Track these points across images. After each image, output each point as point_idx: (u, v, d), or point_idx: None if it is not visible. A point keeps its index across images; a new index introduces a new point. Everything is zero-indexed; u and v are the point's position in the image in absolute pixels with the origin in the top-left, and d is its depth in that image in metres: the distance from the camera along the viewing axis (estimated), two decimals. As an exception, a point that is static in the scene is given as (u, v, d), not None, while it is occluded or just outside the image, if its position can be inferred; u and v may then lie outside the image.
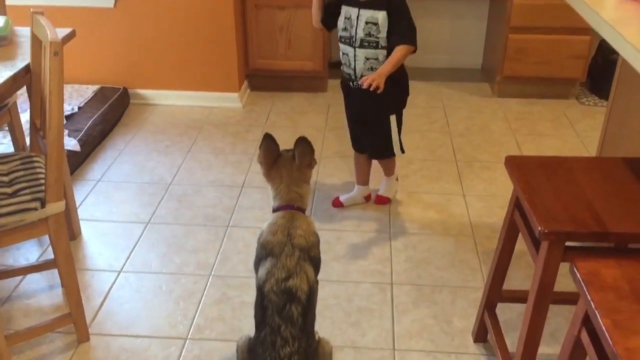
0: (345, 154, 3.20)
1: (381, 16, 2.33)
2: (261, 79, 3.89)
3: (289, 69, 3.79)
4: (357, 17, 2.37)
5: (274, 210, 1.82)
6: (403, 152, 2.63)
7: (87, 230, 2.59)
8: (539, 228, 1.53)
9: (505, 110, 3.64)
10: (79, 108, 3.33)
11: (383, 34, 2.35)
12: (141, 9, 3.48)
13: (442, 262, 2.42)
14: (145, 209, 2.75)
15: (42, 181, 1.87)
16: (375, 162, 2.77)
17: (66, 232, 1.91)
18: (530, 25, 3.53)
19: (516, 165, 1.80)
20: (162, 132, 3.43)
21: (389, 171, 2.77)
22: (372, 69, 2.40)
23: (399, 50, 2.33)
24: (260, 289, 1.70)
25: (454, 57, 4.22)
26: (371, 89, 2.27)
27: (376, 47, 2.38)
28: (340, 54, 2.53)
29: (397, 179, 2.83)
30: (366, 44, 2.38)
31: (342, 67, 2.56)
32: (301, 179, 1.83)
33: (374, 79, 2.27)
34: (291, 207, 1.79)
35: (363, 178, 2.78)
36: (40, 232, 1.87)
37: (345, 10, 2.43)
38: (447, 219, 2.69)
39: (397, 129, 2.57)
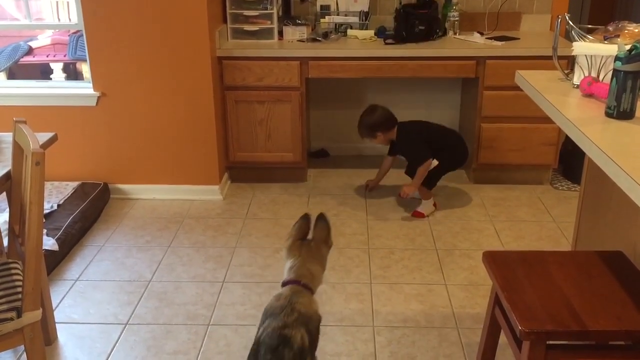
0: (326, 245, 3.20)
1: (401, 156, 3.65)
2: (241, 171, 3.94)
3: (269, 161, 3.86)
4: None
5: (283, 285, 1.92)
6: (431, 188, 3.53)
7: (63, 334, 2.52)
8: (520, 327, 1.54)
9: (482, 197, 3.72)
10: (59, 205, 3.33)
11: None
12: (122, 107, 3.56)
13: (427, 357, 2.39)
14: (124, 309, 2.70)
15: (19, 289, 1.85)
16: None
17: (42, 340, 1.87)
18: (501, 115, 3.67)
19: (494, 261, 1.83)
20: (143, 227, 3.42)
21: (423, 195, 3.53)
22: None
23: (419, 169, 3.43)
24: (255, 342, 1.77)
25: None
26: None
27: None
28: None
29: (435, 205, 3.54)
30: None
31: None
32: (316, 256, 1.97)
33: (408, 191, 3.47)
34: (298, 282, 1.90)
35: (425, 195, 3.54)
36: (16, 343, 1.82)
37: None
38: (429, 310, 2.67)
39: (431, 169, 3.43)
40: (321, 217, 2.02)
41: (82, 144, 3.65)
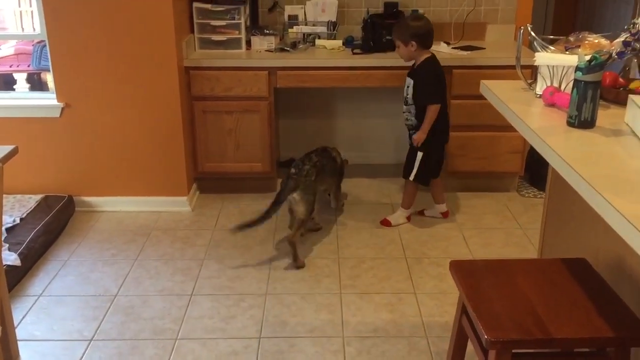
0: (295, 255, 3.20)
1: (410, 83, 3.28)
2: (210, 182, 3.91)
3: (238, 171, 3.83)
4: (405, 83, 3.34)
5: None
6: (408, 179, 3.40)
7: (25, 351, 2.45)
8: (486, 337, 1.54)
9: (450, 204, 3.74)
10: (21, 219, 3.25)
11: (410, 95, 3.29)
12: (87, 118, 3.50)
13: (397, 367, 2.39)
14: (89, 325, 2.64)
15: (-24, 308, 1.79)
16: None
17: (2, 358, 1.80)
18: (468, 124, 3.71)
19: (460, 271, 1.83)
20: (109, 240, 3.36)
21: (404, 202, 3.50)
22: (406, 119, 3.40)
23: (427, 113, 3.25)
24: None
25: (400, 153, 4.35)
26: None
27: (406, 104, 3.35)
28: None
29: (408, 218, 3.51)
30: (405, 100, 3.36)
31: None
32: None
33: (419, 138, 3.29)
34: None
35: (407, 202, 3.49)
36: (-28, 363, 1.76)
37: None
38: (399, 319, 2.68)
39: (419, 163, 3.31)
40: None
41: (46, 155, 3.58)
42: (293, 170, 3.17)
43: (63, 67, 3.43)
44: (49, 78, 4.74)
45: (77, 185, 3.63)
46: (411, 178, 3.38)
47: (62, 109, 3.48)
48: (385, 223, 3.50)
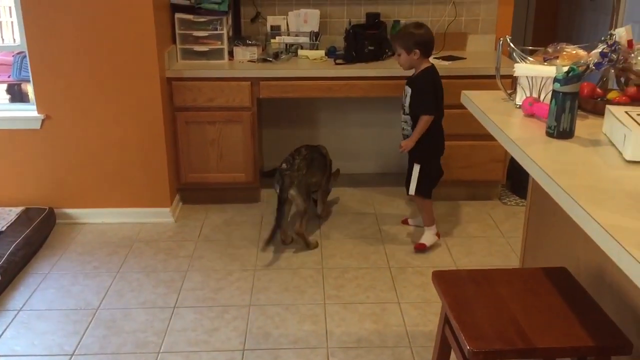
0: (279, 266, 3.18)
1: (409, 92, 3.21)
2: (193, 192, 3.89)
3: (221, 182, 3.82)
4: (404, 92, 3.26)
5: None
6: (417, 195, 3.28)
7: (4, 367, 2.42)
8: (468, 347, 1.55)
9: (434, 213, 3.75)
10: (1, 232, 3.21)
11: (407, 104, 3.22)
12: (68, 129, 3.47)
13: (381, 377, 2.38)
14: (70, 339, 2.60)
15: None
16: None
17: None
18: (449, 133, 3.70)
19: (443, 281, 1.84)
20: (90, 252, 3.33)
21: (424, 220, 3.37)
22: (403, 129, 3.31)
23: (420, 122, 3.18)
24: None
25: (382, 162, 4.38)
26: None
27: (404, 113, 3.26)
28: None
29: (437, 236, 3.37)
30: (403, 109, 3.27)
31: None
32: None
33: (406, 145, 3.22)
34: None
35: (427, 219, 3.37)
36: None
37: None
38: (383, 329, 2.67)
39: (418, 176, 3.23)
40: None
41: (26, 168, 3.54)
42: (284, 165, 3.29)
43: (43, 79, 3.40)
44: (29, 89, 4.70)
45: (58, 198, 3.60)
46: (411, 192, 3.27)
47: (43, 120, 3.45)
48: (421, 247, 3.32)
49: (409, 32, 3.16)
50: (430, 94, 3.17)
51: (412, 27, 3.20)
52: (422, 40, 3.12)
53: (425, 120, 3.17)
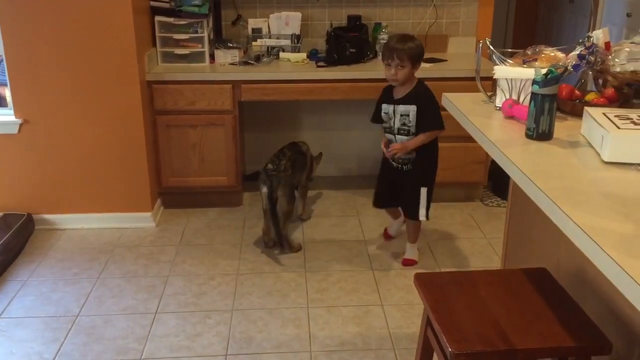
0: (262, 270, 3.17)
1: (412, 110, 2.99)
2: (175, 196, 3.86)
3: (203, 185, 3.79)
4: (394, 112, 3.03)
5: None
6: (428, 218, 3.14)
7: (-18, 377, 2.38)
8: (450, 349, 1.55)
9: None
10: (-22, 239, 3.16)
11: (413, 123, 3.01)
12: (47, 134, 3.43)
13: (365, 381, 2.38)
14: (49, 347, 2.56)
15: None
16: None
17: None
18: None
19: (425, 283, 1.84)
20: (70, 258, 3.28)
21: (411, 237, 3.24)
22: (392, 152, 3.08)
23: (424, 134, 3.00)
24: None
25: (364, 164, 4.38)
26: (393, 156, 3.06)
27: (408, 134, 3.03)
28: (387, 140, 3.14)
29: (417, 249, 3.27)
30: (402, 131, 3.04)
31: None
32: None
33: (397, 149, 3.01)
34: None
35: (413, 237, 3.24)
36: None
37: (384, 107, 3.08)
38: (366, 332, 2.67)
39: (426, 198, 3.09)
40: None
41: (4, 173, 3.48)
42: (270, 166, 3.30)
43: (21, 83, 3.36)
44: (7, 93, 4.64)
45: (37, 203, 3.55)
46: (422, 218, 3.10)
47: (20, 125, 3.40)
48: (410, 263, 3.21)
49: (418, 45, 2.96)
50: (439, 107, 2.85)
51: (407, 38, 2.97)
52: (418, 53, 2.96)
53: (435, 134, 3.02)
